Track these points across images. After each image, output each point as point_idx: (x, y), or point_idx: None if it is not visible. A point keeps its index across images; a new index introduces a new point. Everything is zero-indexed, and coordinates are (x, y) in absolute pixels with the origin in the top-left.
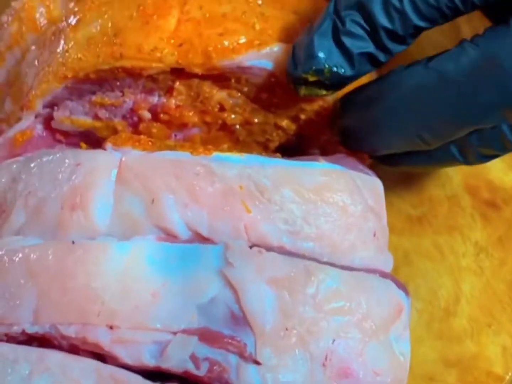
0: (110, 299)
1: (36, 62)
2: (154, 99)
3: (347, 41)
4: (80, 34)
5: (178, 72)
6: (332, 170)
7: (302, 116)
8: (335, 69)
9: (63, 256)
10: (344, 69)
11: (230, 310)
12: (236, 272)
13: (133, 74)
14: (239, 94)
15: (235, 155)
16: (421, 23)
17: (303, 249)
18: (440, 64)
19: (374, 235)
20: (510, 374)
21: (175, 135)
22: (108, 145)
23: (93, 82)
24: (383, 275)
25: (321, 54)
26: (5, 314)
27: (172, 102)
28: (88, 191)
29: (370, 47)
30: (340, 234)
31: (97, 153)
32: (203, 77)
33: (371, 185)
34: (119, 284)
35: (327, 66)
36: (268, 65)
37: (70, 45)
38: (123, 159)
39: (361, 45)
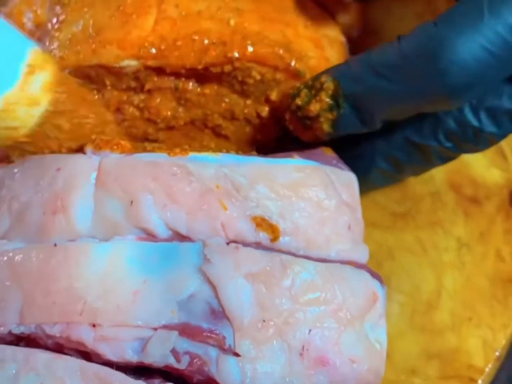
0: (92, 298)
1: None
2: (137, 97)
3: None
4: (63, 34)
5: (160, 70)
6: (306, 166)
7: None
8: None
9: (46, 259)
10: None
11: (209, 305)
12: (214, 268)
13: (114, 72)
14: (221, 88)
15: (211, 155)
16: None
17: (279, 244)
18: (371, 56)
19: (349, 228)
20: (489, 366)
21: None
22: (88, 149)
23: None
24: (358, 266)
25: None
26: None
27: (156, 100)
28: (68, 195)
29: None
30: (315, 228)
31: (76, 158)
32: (185, 75)
33: (345, 179)
34: (101, 284)
35: None
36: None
37: (54, 45)
38: (102, 162)
39: None
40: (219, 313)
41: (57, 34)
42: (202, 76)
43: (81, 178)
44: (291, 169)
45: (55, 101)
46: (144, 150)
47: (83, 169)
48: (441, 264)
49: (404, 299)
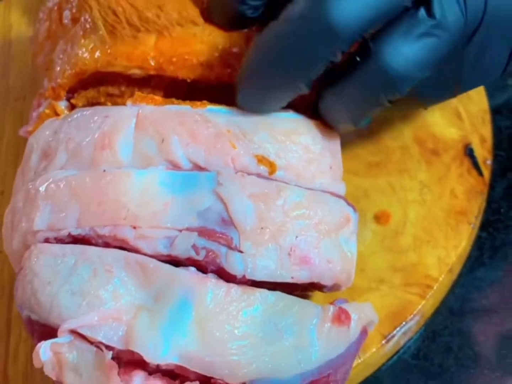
0: (133, 208)
1: (61, 55)
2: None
3: None
4: (87, 42)
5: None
6: (299, 118)
7: None
8: None
9: (97, 180)
10: None
11: (220, 215)
12: (225, 190)
13: (126, 77)
14: None
15: (225, 108)
16: None
17: (275, 176)
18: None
19: (331, 167)
20: (442, 276)
21: None
22: (129, 102)
23: (98, 79)
24: (337, 195)
25: None
26: (54, 222)
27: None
28: (114, 135)
29: None
30: (304, 166)
31: (120, 108)
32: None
33: (328, 131)
34: (140, 197)
35: None
36: None
37: (81, 51)
38: (140, 111)
39: None
40: (228, 222)
41: (82, 41)
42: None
43: (123, 123)
44: (286, 120)
45: None
46: (172, 102)
47: (126, 116)
48: (406, 201)
49: (376, 227)
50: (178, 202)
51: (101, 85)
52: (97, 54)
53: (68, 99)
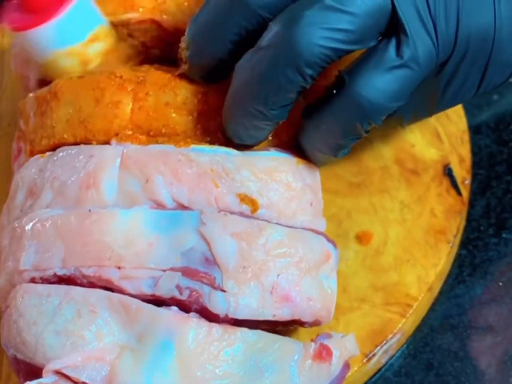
0: (118, 248)
1: (32, 114)
2: None
3: None
4: (61, 112)
5: None
6: (279, 156)
7: None
8: None
9: (82, 220)
10: None
11: (204, 255)
12: (208, 229)
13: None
14: None
15: (207, 147)
16: None
17: (257, 215)
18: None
19: (311, 204)
20: (422, 295)
21: None
22: (113, 141)
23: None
24: (317, 232)
25: None
26: (40, 262)
27: None
28: (99, 174)
29: None
30: (285, 203)
31: (105, 147)
32: None
33: (309, 168)
34: (124, 238)
35: None
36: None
37: (55, 122)
38: (125, 151)
39: None
40: (211, 261)
41: (56, 109)
42: None
43: (108, 162)
44: (268, 158)
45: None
46: (156, 142)
47: (110, 155)
48: (387, 220)
49: (358, 247)
50: (162, 242)
51: (82, 143)
52: (74, 130)
53: None
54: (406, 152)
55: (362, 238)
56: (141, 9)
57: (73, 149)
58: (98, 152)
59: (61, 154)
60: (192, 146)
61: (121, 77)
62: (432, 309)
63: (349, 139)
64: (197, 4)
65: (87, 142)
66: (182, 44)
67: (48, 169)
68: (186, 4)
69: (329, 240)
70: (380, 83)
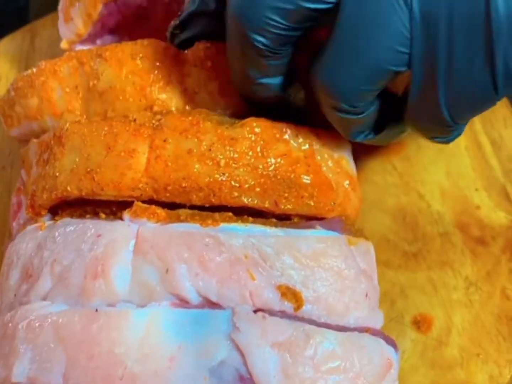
0: (132, 363)
1: (35, 162)
2: None
3: None
4: (65, 160)
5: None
6: (327, 237)
7: None
8: None
9: (88, 324)
10: None
11: (238, 371)
12: (242, 337)
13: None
14: None
15: (240, 225)
16: None
17: (302, 312)
18: None
19: (366, 295)
20: None
21: None
22: (126, 216)
23: (84, 200)
24: (375, 333)
25: None
26: (37, 376)
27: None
28: (108, 261)
29: None
30: (335, 297)
31: (116, 225)
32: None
33: (363, 248)
34: (140, 349)
35: None
36: None
37: (58, 171)
38: (140, 230)
39: None
40: (247, 380)
41: (59, 157)
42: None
43: (120, 245)
44: (313, 240)
45: None
46: (178, 218)
47: (122, 236)
48: (450, 302)
49: (416, 336)
50: (186, 354)
51: (88, 206)
52: (79, 182)
53: (51, 214)
54: (470, 216)
55: (420, 324)
56: None
57: (77, 224)
58: (107, 231)
59: (62, 229)
60: (222, 225)
61: (134, 120)
62: None
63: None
64: None
65: (93, 196)
66: None
67: (47, 248)
68: None
69: (388, 341)
70: None
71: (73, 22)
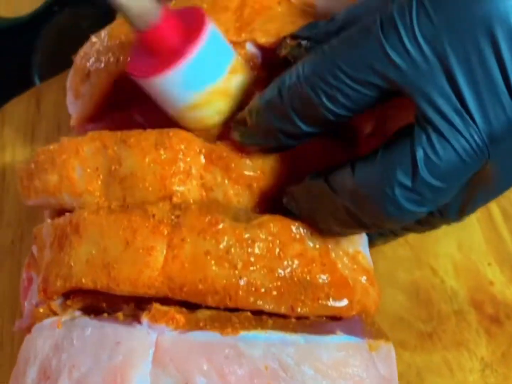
0: None
1: (48, 245)
2: None
3: None
4: (82, 250)
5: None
6: (349, 343)
7: None
8: None
9: None
10: None
11: None
12: None
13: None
14: None
15: (259, 332)
16: None
17: None
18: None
19: None
20: None
21: None
22: (144, 320)
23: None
24: None
25: None
26: None
27: None
28: (127, 372)
29: None
30: None
31: (135, 332)
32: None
33: (384, 352)
34: None
35: None
36: None
37: (73, 261)
38: (159, 340)
39: None
40: None
41: (76, 245)
42: None
43: (139, 355)
44: (334, 348)
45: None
46: (197, 324)
47: (142, 345)
48: None
49: None
50: None
51: (101, 295)
52: (94, 275)
53: (63, 297)
54: (484, 292)
55: None
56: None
57: (95, 328)
58: (126, 338)
59: (80, 331)
60: (241, 333)
61: (153, 216)
62: None
63: None
64: None
65: (108, 291)
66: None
67: (65, 350)
68: None
69: None
70: None
71: (83, 99)
